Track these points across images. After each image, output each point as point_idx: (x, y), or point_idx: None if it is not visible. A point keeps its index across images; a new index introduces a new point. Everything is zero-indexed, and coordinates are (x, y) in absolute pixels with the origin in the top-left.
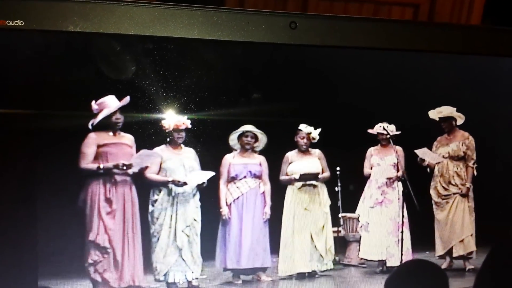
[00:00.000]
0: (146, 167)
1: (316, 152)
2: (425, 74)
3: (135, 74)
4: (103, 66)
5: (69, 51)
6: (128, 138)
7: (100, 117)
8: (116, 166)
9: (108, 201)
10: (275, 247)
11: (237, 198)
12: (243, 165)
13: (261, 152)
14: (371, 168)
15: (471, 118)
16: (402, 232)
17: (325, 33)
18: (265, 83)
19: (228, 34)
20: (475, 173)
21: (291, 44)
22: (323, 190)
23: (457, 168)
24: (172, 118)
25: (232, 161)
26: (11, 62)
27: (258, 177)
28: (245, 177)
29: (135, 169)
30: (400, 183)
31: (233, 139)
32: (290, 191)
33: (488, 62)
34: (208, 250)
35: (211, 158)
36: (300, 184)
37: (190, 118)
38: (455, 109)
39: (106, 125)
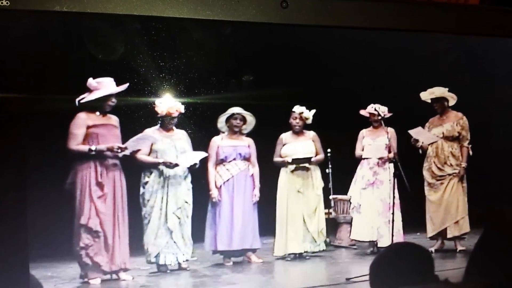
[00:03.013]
0: (138, 150)
1: (311, 134)
2: (419, 55)
3: (123, 55)
4: (90, 46)
5: (56, 31)
6: (114, 120)
7: (96, 95)
8: (111, 149)
9: (100, 185)
10: (269, 229)
11: (227, 180)
12: (232, 147)
13: (252, 135)
14: (363, 150)
15: (464, 98)
16: (393, 213)
17: (318, 12)
18: (256, 64)
19: (217, 13)
20: (471, 153)
21: (283, 24)
22: (316, 173)
23: (452, 148)
24: (165, 104)
25: (221, 143)
26: None
27: (247, 159)
28: (234, 159)
29: (127, 152)
30: (391, 165)
31: (221, 122)
32: (284, 174)
33: (483, 42)
34: (198, 233)
35: (204, 139)
36: (293, 166)
37: (180, 100)
38: (447, 89)
39: (97, 106)
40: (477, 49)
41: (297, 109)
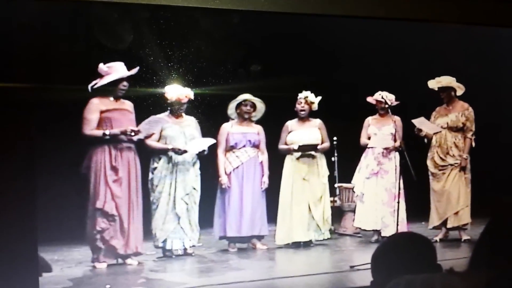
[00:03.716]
0: (151, 134)
1: (317, 121)
2: (425, 44)
3: (133, 44)
4: (100, 35)
5: (65, 20)
6: (128, 105)
7: (107, 79)
8: (124, 132)
9: (114, 169)
10: (272, 216)
11: (237, 167)
12: (242, 134)
13: (260, 122)
14: (369, 138)
15: (472, 89)
16: (398, 202)
17: (325, 1)
18: (264, 53)
19: (226, 2)
20: (473, 144)
21: (290, 13)
22: (322, 161)
23: (456, 139)
24: (175, 90)
25: (231, 130)
26: (5, 32)
27: (257, 146)
28: (244, 146)
29: (141, 136)
30: (397, 154)
31: (231, 108)
32: (289, 161)
33: (490, 32)
34: (204, 219)
35: (212, 126)
36: (299, 154)
37: (190, 87)
38: (454, 79)
39: (110, 90)
40: (485, 40)
41: (302, 94)
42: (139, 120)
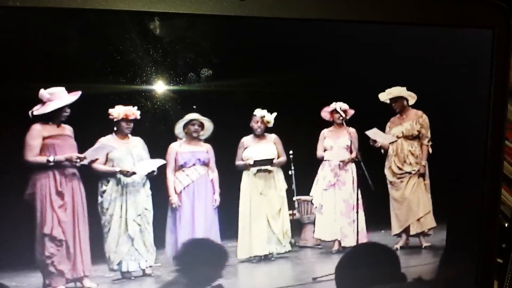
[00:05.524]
0: (96, 159)
1: (272, 136)
2: (377, 51)
3: (75, 55)
4: (42, 46)
5: (7, 28)
6: (69, 129)
7: (50, 108)
8: (70, 159)
9: (60, 194)
10: (233, 232)
11: (187, 185)
12: (191, 153)
13: (209, 140)
14: (325, 151)
15: (424, 96)
16: (357, 212)
17: (276, 4)
18: (214, 62)
19: (171, 6)
20: (430, 151)
21: (241, 16)
22: (278, 175)
23: (412, 147)
24: (121, 108)
25: (179, 150)
26: None
27: (206, 164)
28: (194, 164)
29: (85, 162)
30: (353, 165)
31: (178, 128)
32: (246, 177)
33: (441, 34)
34: (161, 239)
35: (160, 146)
36: (255, 169)
37: (136, 105)
38: (405, 88)
39: (52, 116)
40: (438, 43)
41: (259, 112)
42: (83, 142)
